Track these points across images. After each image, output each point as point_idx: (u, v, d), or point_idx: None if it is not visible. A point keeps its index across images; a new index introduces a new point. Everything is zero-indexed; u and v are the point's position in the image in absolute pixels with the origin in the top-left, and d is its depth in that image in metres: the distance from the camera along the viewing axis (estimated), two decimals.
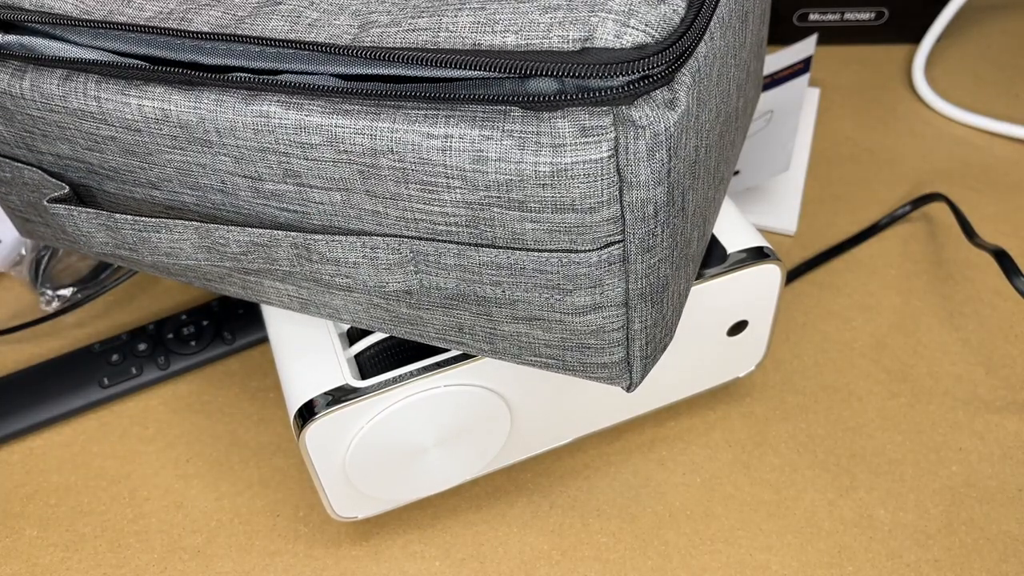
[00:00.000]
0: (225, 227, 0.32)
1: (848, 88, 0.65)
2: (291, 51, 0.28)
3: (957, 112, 0.61)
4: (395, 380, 0.35)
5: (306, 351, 0.36)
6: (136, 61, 0.30)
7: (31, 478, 0.45)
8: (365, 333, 0.37)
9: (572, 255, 0.28)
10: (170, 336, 0.49)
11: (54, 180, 0.35)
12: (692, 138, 0.28)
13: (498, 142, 0.26)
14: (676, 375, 0.42)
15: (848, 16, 0.67)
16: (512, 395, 0.38)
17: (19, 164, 0.36)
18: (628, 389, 0.33)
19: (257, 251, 0.32)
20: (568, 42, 0.25)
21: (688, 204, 0.30)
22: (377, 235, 0.30)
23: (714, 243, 0.39)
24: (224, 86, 0.29)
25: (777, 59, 0.63)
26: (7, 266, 0.54)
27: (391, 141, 0.27)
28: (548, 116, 0.26)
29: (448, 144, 0.27)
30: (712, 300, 0.39)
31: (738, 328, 0.41)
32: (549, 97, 0.25)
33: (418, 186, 0.28)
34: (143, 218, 0.33)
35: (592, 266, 0.29)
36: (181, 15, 0.30)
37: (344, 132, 0.28)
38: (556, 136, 0.26)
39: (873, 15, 0.67)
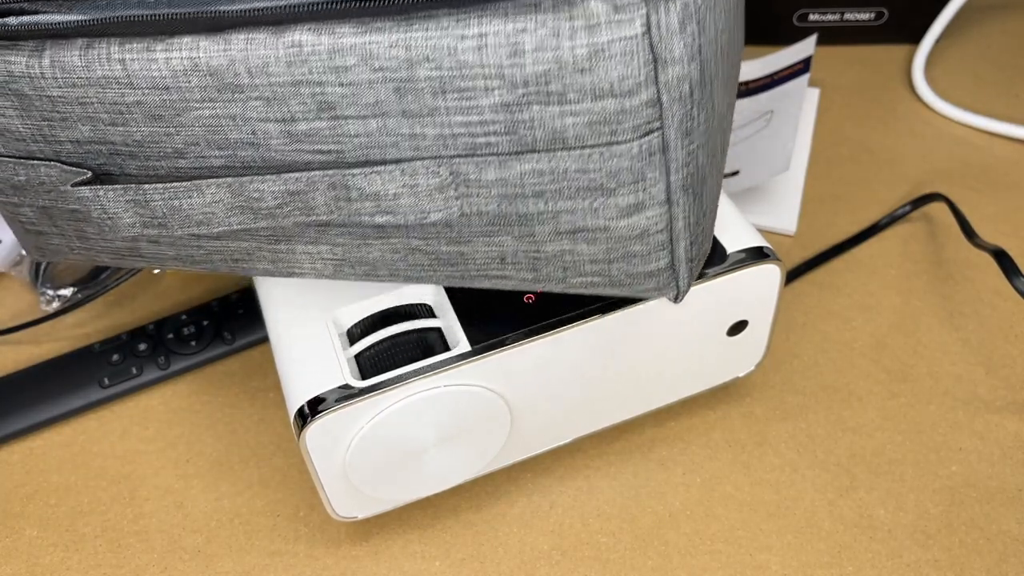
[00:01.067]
0: (260, 178, 0.31)
1: (848, 88, 0.65)
2: None
3: (957, 112, 0.61)
4: (395, 380, 0.35)
5: (306, 351, 0.36)
6: (160, 12, 0.30)
7: (31, 478, 0.45)
8: (365, 333, 0.37)
9: (613, 147, 0.28)
10: (170, 336, 0.49)
11: (74, 169, 0.34)
12: (715, 20, 0.28)
13: (532, 32, 0.27)
14: (676, 375, 0.42)
15: (848, 16, 0.67)
16: (512, 395, 0.38)
17: (35, 162, 0.35)
18: (676, 299, 0.33)
19: (293, 201, 0.32)
20: None
21: (715, 95, 0.30)
22: (415, 159, 0.30)
23: (714, 243, 0.39)
24: (252, 23, 0.29)
25: (777, 59, 0.63)
26: (7, 266, 0.54)
27: (426, 49, 0.28)
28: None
29: (483, 42, 0.27)
30: (712, 300, 0.39)
31: (738, 328, 0.41)
32: None
33: (456, 95, 0.28)
34: (173, 184, 0.32)
35: (633, 158, 0.29)
36: None
37: (379, 47, 0.28)
38: (590, 17, 0.26)
39: (873, 15, 0.67)
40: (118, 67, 0.31)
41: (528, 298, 0.37)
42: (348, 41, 0.28)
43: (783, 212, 0.55)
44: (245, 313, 0.51)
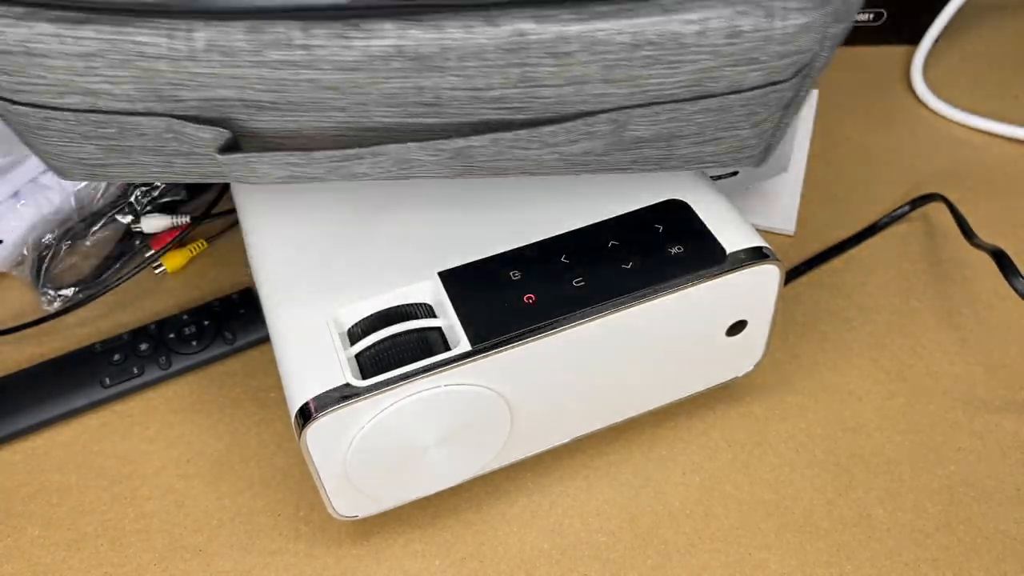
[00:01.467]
0: (431, 144, 0.32)
1: (847, 88, 0.65)
2: None
3: (956, 113, 0.62)
4: (395, 380, 0.35)
5: (307, 351, 0.37)
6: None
7: (33, 477, 0.45)
8: (366, 332, 0.37)
9: (776, 86, 0.32)
10: (171, 336, 0.50)
11: (192, 124, 0.32)
12: None
13: (751, 15, 0.29)
14: (675, 375, 0.42)
15: None
16: (512, 395, 0.38)
17: (136, 117, 0.32)
18: (757, 165, 0.38)
19: (458, 156, 0.33)
20: None
21: None
22: (599, 112, 0.32)
23: (713, 243, 0.39)
24: (470, 9, 0.28)
25: None
26: (9, 266, 0.54)
27: (652, 35, 0.29)
28: None
29: (706, 27, 0.29)
30: (711, 300, 0.39)
31: (737, 328, 0.41)
32: None
33: (663, 66, 0.30)
34: (343, 151, 0.32)
35: (785, 90, 0.32)
36: None
37: (604, 35, 0.29)
38: (801, 1, 0.29)
39: (872, 16, 0.67)
40: (299, 52, 0.29)
41: (528, 298, 0.37)
42: (574, 29, 0.29)
43: (782, 212, 0.55)
44: (246, 313, 0.51)
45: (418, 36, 0.28)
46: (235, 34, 0.28)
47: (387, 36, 0.28)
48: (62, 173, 0.37)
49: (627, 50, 0.29)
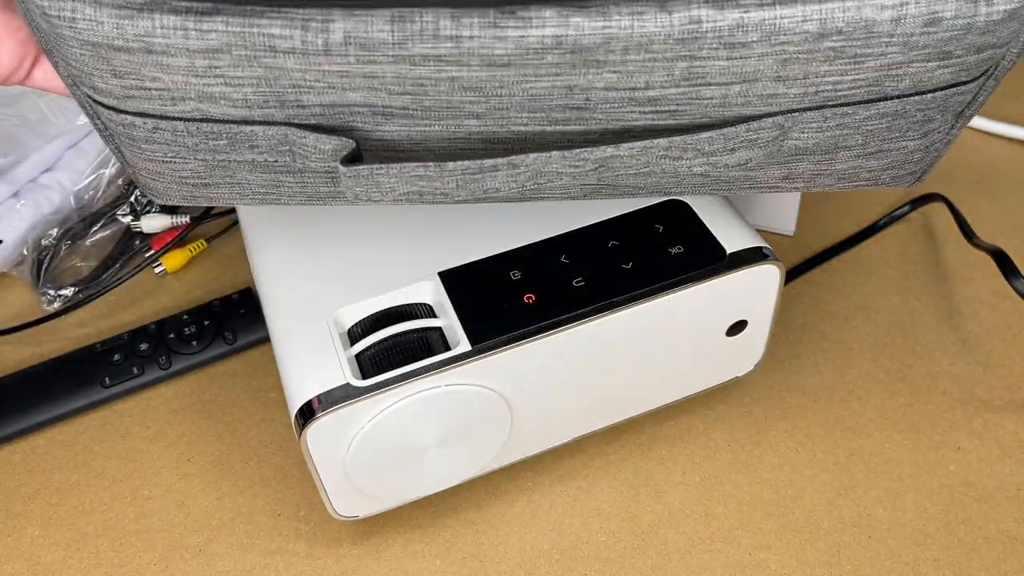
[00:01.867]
0: (587, 149, 0.29)
1: None
2: None
3: None
4: (395, 380, 0.35)
5: (307, 351, 0.37)
6: None
7: (33, 477, 0.45)
8: (366, 332, 0.37)
9: (959, 87, 0.29)
10: (171, 336, 0.50)
11: (312, 134, 0.29)
12: None
13: (950, 2, 0.26)
14: (675, 375, 0.42)
15: None
16: (512, 395, 0.38)
17: (251, 127, 0.29)
18: (911, 184, 0.35)
19: (612, 163, 0.30)
20: None
21: None
22: (764, 115, 0.29)
23: (713, 243, 0.39)
24: None
25: None
26: (9, 266, 0.54)
27: (842, 22, 0.26)
28: None
29: (903, 13, 0.26)
30: (711, 300, 0.39)
31: (737, 328, 0.41)
32: None
33: (845, 61, 0.27)
34: (479, 161, 0.28)
35: (969, 92, 0.30)
36: None
37: (789, 22, 0.26)
38: None
39: None
40: (447, 45, 0.26)
41: (528, 298, 0.37)
42: (754, 16, 0.26)
43: (782, 212, 0.55)
44: (246, 313, 0.51)
45: (581, 24, 0.25)
46: (378, 24, 0.25)
47: (547, 24, 0.25)
48: (158, 195, 0.34)
49: (811, 40, 0.26)
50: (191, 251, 0.56)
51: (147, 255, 0.55)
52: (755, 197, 0.56)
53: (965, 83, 0.29)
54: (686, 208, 0.40)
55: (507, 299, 0.37)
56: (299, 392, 0.35)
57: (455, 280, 0.38)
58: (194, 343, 0.49)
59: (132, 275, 0.53)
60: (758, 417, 0.46)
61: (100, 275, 0.54)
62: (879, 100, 0.29)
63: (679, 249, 0.38)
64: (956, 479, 0.43)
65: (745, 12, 0.26)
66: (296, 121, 0.29)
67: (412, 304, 0.38)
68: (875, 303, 0.51)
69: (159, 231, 0.55)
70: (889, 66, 0.28)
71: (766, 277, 0.39)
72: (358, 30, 0.26)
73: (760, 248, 0.39)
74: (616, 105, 0.28)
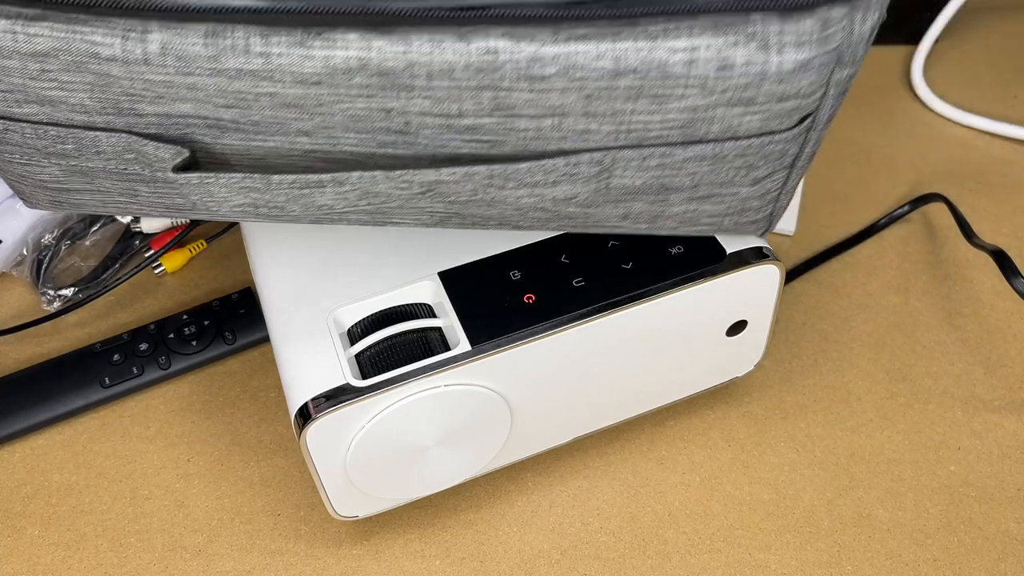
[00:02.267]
0: (411, 171, 0.29)
1: None
2: None
3: (956, 113, 0.62)
4: (395, 380, 0.35)
5: (307, 351, 0.37)
6: (320, 3, 0.26)
7: (32, 477, 0.45)
8: (366, 332, 0.37)
9: (774, 135, 0.30)
10: (171, 336, 0.50)
11: (152, 143, 0.30)
12: None
13: (744, 47, 0.26)
14: (675, 375, 0.42)
15: None
16: (512, 395, 0.38)
17: (95, 133, 0.30)
18: (762, 235, 0.36)
19: (439, 188, 0.30)
20: None
21: None
22: (582, 151, 0.30)
23: (713, 243, 0.39)
24: (436, 23, 0.26)
25: None
26: (8, 266, 0.54)
27: (635, 61, 0.27)
28: (796, 16, 0.26)
29: (695, 56, 0.27)
30: (711, 300, 0.39)
31: (737, 328, 0.41)
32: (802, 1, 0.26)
33: (648, 100, 0.28)
34: (304, 175, 0.30)
35: (787, 142, 0.30)
36: None
37: (583, 58, 0.27)
38: (801, 34, 0.26)
39: None
40: (258, 61, 0.27)
41: (528, 298, 0.37)
42: (550, 51, 0.27)
43: None
44: (246, 313, 0.51)
45: (383, 48, 0.27)
46: (191, 37, 0.27)
47: (350, 47, 0.26)
48: (27, 199, 0.35)
49: (608, 78, 0.27)
50: (191, 251, 0.56)
51: (147, 255, 0.55)
52: None
53: (780, 131, 0.30)
54: None
55: (507, 299, 0.37)
56: (299, 392, 0.35)
57: (455, 280, 0.38)
58: (194, 343, 0.49)
59: (132, 275, 0.53)
60: (758, 417, 0.46)
61: (100, 275, 0.54)
62: (694, 143, 0.30)
63: (679, 249, 0.38)
64: (956, 479, 0.43)
65: (541, 46, 0.27)
66: (136, 129, 0.30)
67: (412, 304, 0.38)
68: (875, 303, 0.51)
69: (159, 231, 0.55)
70: (694, 108, 0.28)
71: (766, 277, 0.39)
72: (174, 42, 0.27)
73: (760, 248, 0.39)
74: (436, 131, 0.29)
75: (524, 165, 0.30)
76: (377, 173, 0.30)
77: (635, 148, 0.30)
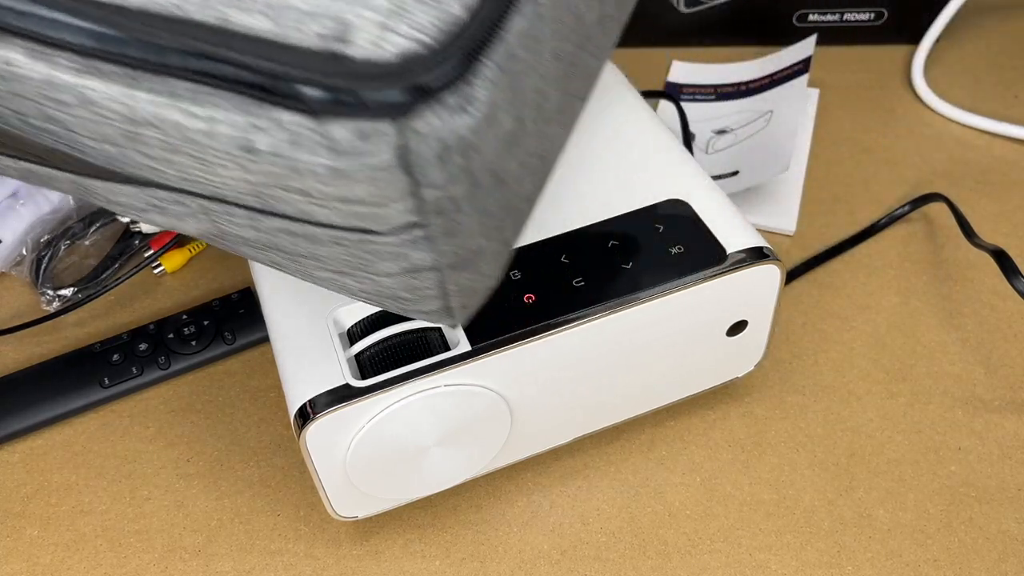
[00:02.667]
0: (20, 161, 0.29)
1: (848, 88, 0.65)
2: None
3: (956, 112, 0.62)
4: (395, 380, 0.35)
5: (306, 351, 0.37)
6: None
7: (32, 477, 0.45)
8: (365, 333, 0.37)
9: (370, 235, 0.27)
10: (171, 336, 0.50)
11: None
12: (506, 120, 0.26)
13: (269, 133, 0.24)
14: (675, 375, 0.42)
15: (848, 16, 0.67)
16: (512, 395, 0.38)
17: None
18: (453, 327, 0.33)
19: (33, 176, 0.30)
20: (320, 40, 0.23)
21: (508, 174, 0.28)
22: (161, 187, 0.28)
23: (713, 243, 0.39)
24: None
25: (777, 59, 0.63)
26: (8, 266, 0.54)
27: (150, 115, 0.25)
28: (325, 119, 0.23)
29: (213, 128, 0.24)
30: (711, 300, 0.39)
31: (737, 328, 0.41)
32: (316, 100, 0.23)
33: (190, 158, 0.26)
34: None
35: (395, 245, 0.27)
36: None
37: (96, 96, 0.25)
38: (332, 140, 0.23)
39: (873, 15, 0.67)
40: None
41: (528, 298, 0.37)
42: (64, 78, 0.25)
43: (783, 212, 0.55)
44: (246, 313, 0.51)
45: None
46: None
47: None
48: None
49: (130, 123, 0.25)
50: (190, 251, 0.55)
51: (146, 255, 0.55)
52: (756, 197, 0.56)
53: (377, 232, 0.26)
54: (686, 207, 0.40)
55: (507, 299, 0.37)
56: (298, 392, 0.35)
57: None
58: (193, 343, 0.49)
59: (131, 275, 0.53)
60: (758, 417, 0.46)
61: (99, 275, 0.54)
62: (276, 215, 0.27)
63: (679, 249, 0.38)
64: (957, 479, 0.43)
65: (55, 70, 0.25)
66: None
67: None
68: (875, 303, 0.51)
69: (158, 231, 0.55)
70: (247, 181, 0.25)
71: (766, 277, 0.39)
72: None
73: (761, 248, 0.39)
74: (18, 123, 0.28)
75: (101, 184, 0.28)
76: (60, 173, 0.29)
77: (218, 201, 0.27)
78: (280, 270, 0.33)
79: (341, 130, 0.23)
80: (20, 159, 0.30)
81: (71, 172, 0.29)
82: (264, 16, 0.23)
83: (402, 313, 0.32)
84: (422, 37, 0.23)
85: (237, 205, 0.27)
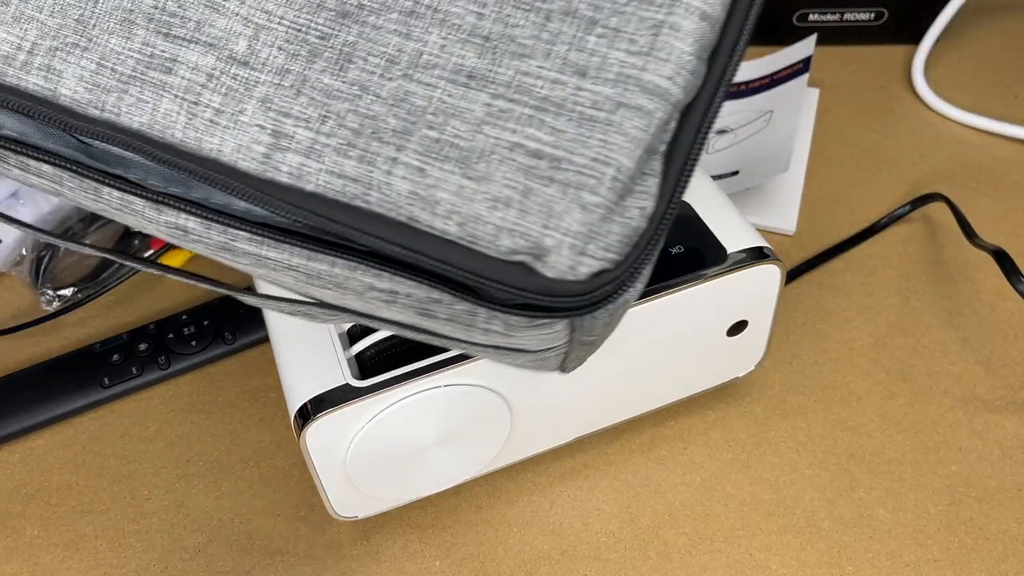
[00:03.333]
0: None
1: (848, 88, 0.65)
2: (186, 164, 0.25)
3: (956, 112, 0.62)
4: (395, 380, 0.35)
5: (306, 351, 0.37)
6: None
7: (32, 478, 0.45)
8: (365, 333, 0.37)
9: (517, 353, 0.29)
10: (171, 336, 0.49)
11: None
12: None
13: (448, 306, 0.26)
14: (676, 375, 0.42)
15: (848, 16, 0.67)
16: (512, 395, 0.38)
17: None
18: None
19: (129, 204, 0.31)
20: (514, 255, 0.24)
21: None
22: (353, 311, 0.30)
23: (713, 243, 0.39)
24: (149, 195, 0.27)
25: (777, 59, 0.63)
26: (8, 266, 0.54)
27: (328, 278, 0.27)
28: (505, 310, 0.26)
29: (394, 299, 0.27)
30: (712, 300, 0.39)
31: (738, 328, 0.41)
32: (501, 302, 0.25)
33: (355, 297, 0.28)
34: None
35: (536, 357, 0.30)
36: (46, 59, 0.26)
37: (272, 264, 0.27)
38: (510, 323, 0.26)
39: (873, 15, 0.67)
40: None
41: None
42: (242, 246, 0.27)
43: (783, 212, 0.55)
44: (246, 313, 0.51)
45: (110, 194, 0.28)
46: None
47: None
48: None
49: (303, 281, 0.27)
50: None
51: (146, 255, 0.55)
52: (756, 197, 0.56)
53: (522, 352, 0.29)
54: (687, 207, 0.40)
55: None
56: (298, 392, 0.35)
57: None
58: (193, 343, 0.49)
59: (131, 275, 0.53)
60: (758, 417, 0.46)
61: (99, 275, 0.54)
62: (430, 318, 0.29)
63: (679, 249, 0.38)
64: (957, 479, 0.43)
65: (231, 239, 0.27)
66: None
67: None
68: (876, 303, 0.51)
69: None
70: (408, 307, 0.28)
71: (767, 277, 0.39)
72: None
73: (761, 248, 0.39)
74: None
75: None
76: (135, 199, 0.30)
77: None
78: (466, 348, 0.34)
79: (520, 319, 0.26)
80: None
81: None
82: (454, 224, 0.25)
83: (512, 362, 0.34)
84: (612, 256, 0.24)
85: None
